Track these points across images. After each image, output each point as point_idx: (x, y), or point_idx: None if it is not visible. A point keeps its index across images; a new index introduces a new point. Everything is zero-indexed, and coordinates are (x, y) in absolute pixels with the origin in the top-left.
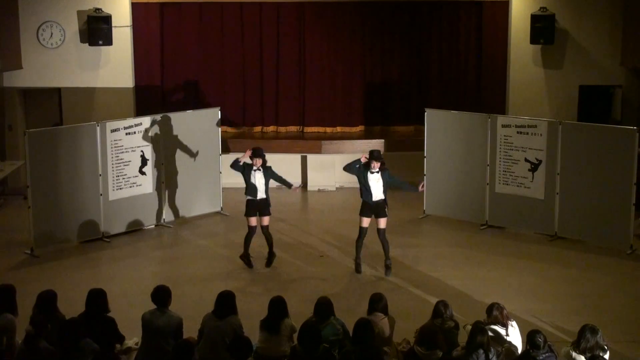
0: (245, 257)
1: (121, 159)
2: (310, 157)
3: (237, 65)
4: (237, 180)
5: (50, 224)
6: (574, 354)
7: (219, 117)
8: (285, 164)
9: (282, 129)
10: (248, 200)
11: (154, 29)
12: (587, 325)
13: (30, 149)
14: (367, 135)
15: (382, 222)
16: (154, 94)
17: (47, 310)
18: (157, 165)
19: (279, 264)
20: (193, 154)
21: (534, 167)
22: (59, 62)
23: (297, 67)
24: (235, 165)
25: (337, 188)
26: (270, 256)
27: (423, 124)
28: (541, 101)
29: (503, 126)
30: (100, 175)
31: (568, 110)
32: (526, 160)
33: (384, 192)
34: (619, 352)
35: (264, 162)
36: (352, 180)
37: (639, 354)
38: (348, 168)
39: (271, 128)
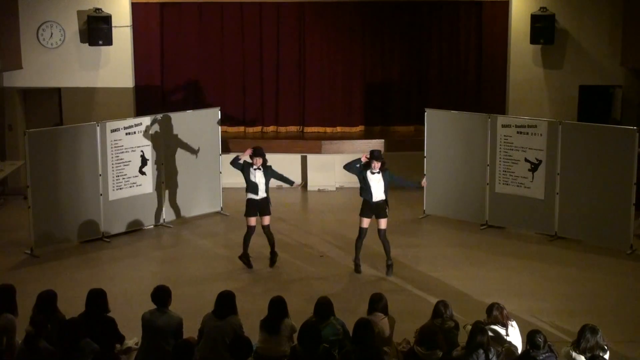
0: (245, 258)
1: (121, 159)
2: (310, 157)
3: (237, 65)
4: (237, 180)
5: (50, 224)
6: (574, 354)
7: (219, 117)
8: (285, 164)
9: (282, 129)
10: (248, 200)
11: (154, 29)
12: (587, 325)
13: (30, 149)
14: (367, 135)
15: (383, 223)
16: (154, 94)
17: (47, 310)
18: (157, 165)
19: (279, 264)
20: (195, 151)
21: (534, 167)
22: (59, 62)
23: (297, 67)
24: (235, 162)
25: (337, 188)
26: (273, 256)
27: (423, 124)
28: (541, 101)
29: (503, 126)
30: (100, 175)
31: (568, 110)
32: (526, 160)
33: (385, 192)
34: (619, 352)
35: (264, 161)
36: (352, 180)
37: (639, 354)
38: (348, 167)
39: (271, 128)
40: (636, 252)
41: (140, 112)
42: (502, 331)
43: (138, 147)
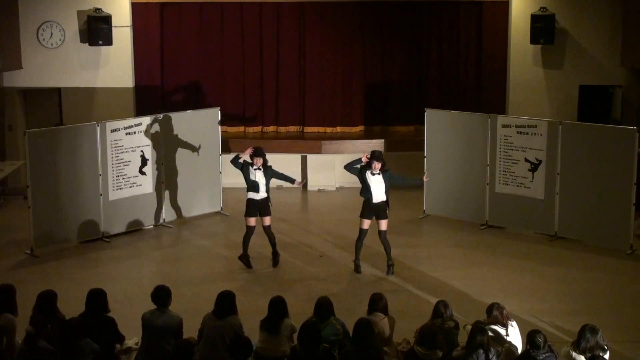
0: (244, 258)
1: (121, 159)
2: (310, 157)
3: (237, 65)
4: (237, 180)
5: (50, 224)
6: (574, 354)
7: (219, 117)
8: (285, 164)
9: (282, 129)
10: (248, 200)
11: (154, 29)
12: (587, 325)
13: (30, 149)
14: (367, 135)
15: (383, 224)
16: (154, 94)
17: (47, 310)
18: (157, 165)
19: (279, 264)
20: (196, 149)
21: (534, 167)
22: (59, 62)
23: (297, 67)
24: (235, 161)
25: (337, 188)
26: (275, 256)
27: (423, 124)
28: (541, 101)
29: (503, 126)
30: (100, 175)
31: (568, 110)
32: (526, 160)
33: (386, 193)
34: (619, 352)
35: (265, 161)
36: (352, 180)
37: (639, 354)
38: (349, 168)
39: (271, 128)
40: (636, 252)
41: (140, 112)
42: (502, 331)
43: (138, 147)
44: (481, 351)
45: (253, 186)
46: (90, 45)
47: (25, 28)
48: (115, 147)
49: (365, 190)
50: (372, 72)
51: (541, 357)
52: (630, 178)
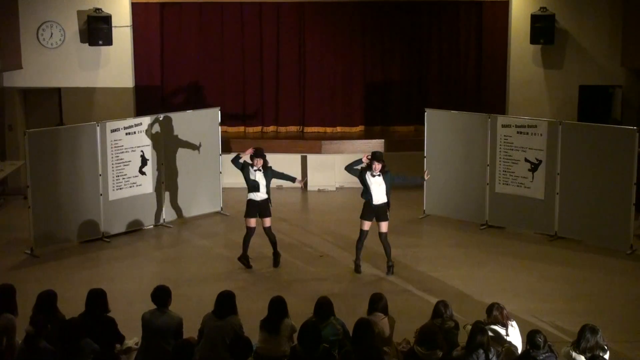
0: (244, 259)
1: (121, 159)
2: (310, 157)
3: (237, 65)
4: (237, 180)
5: (50, 224)
6: (574, 354)
7: (219, 117)
8: (285, 164)
9: (282, 129)
10: (249, 201)
11: (154, 29)
12: (587, 325)
13: (30, 149)
14: (367, 135)
15: (384, 226)
16: (154, 94)
17: (47, 310)
18: (157, 165)
19: (280, 264)
20: (196, 147)
21: (534, 167)
22: (59, 62)
23: (297, 67)
24: (235, 161)
25: (337, 188)
26: (276, 256)
27: (423, 124)
28: (541, 101)
29: (503, 126)
30: (100, 175)
31: (568, 110)
32: (526, 160)
33: (387, 194)
34: (619, 352)
35: (265, 162)
36: (352, 180)
37: (639, 354)
38: (349, 169)
39: (271, 128)
40: (636, 252)
41: (140, 112)
42: (502, 331)
43: (138, 147)
44: (481, 351)
45: (253, 187)
46: (90, 45)
47: (25, 28)
48: (115, 147)
49: (366, 191)
50: (372, 72)
51: (541, 357)
52: (630, 178)
